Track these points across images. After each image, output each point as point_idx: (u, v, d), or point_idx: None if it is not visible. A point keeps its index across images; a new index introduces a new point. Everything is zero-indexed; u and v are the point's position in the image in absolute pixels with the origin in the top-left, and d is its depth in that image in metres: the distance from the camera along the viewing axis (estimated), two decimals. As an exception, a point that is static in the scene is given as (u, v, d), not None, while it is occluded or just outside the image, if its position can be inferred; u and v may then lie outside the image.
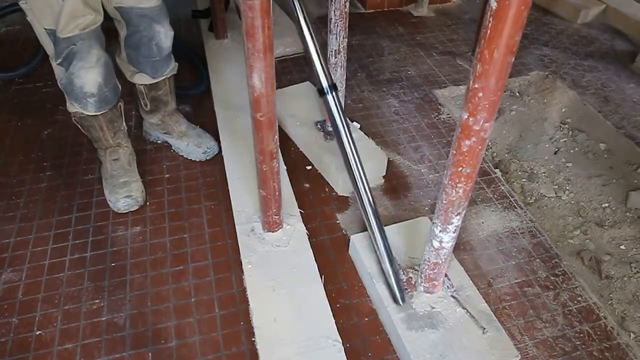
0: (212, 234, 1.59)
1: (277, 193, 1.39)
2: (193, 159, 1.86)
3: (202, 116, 2.05)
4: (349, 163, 1.36)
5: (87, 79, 1.47)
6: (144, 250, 1.54)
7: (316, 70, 1.32)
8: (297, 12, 1.28)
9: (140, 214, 1.65)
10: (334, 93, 1.33)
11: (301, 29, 1.28)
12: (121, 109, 1.67)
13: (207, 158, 1.85)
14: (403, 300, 1.31)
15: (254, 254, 1.47)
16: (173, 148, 1.90)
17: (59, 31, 1.39)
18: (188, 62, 2.34)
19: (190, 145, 1.85)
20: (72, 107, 1.56)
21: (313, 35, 1.30)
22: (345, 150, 1.35)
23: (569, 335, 1.36)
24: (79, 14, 1.39)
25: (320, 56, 1.30)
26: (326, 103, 1.33)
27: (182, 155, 1.87)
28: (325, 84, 1.32)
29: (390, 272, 1.32)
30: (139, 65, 1.63)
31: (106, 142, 1.67)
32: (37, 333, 1.33)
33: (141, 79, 1.67)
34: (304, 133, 1.87)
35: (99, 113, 1.55)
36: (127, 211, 1.65)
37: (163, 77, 1.69)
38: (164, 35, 1.58)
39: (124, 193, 1.64)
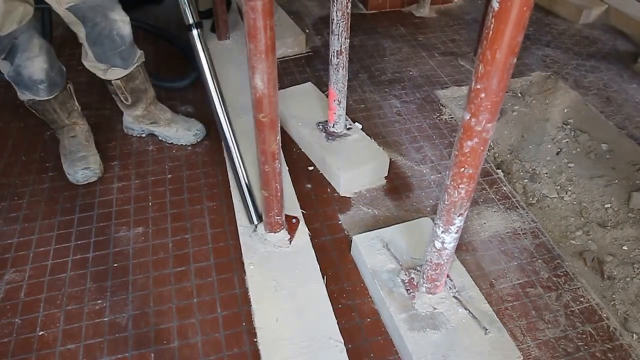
0: (214, 234, 1.60)
1: (279, 194, 1.39)
2: (183, 144, 1.90)
3: (204, 117, 2.06)
4: (212, 97, 1.43)
5: (33, 67, 1.56)
6: (146, 251, 1.54)
7: (183, 7, 1.36)
8: None
9: (142, 214, 1.65)
10: (198, 30, 1.39)
11: None
12: (71, 90, 1.75)
13: (198, 140, 1.91)
14: (260, 219, 1.50)
15: (256, 254, 1.47)
16: (160, 138, 1.92)
17: None
18: (181, 55, 2.40)
19: (180, 130, 1.88)
20: (24, 96, 1.65)
21: None
22: (209, 85, 1.41)
23: (571, 336, 1.36)
24: (12, 9, 1.44)
25: None
26: (191, 38, 1.39)
27: (171, 143, 1.91)
28: (190, 20, 1.37)
29: (248, 199, 1.51)
30: (108, 60, 1.62)
31: (62, 122, 1.76)
32: (40, 333, 1.33)
33: (115, 74, 1.67)
34: (306, 133, 1.87)
35: (50, 97, 1.65)
36: (85, 182, 1.73)
37: (135, 66, 1.69)
38: (122, 23, 1.57)
39: (82, 165, 1.72)
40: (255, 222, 1.52)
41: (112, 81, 1.69)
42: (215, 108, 1.43)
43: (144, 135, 1.95)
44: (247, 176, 1.53)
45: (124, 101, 1.78)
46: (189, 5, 1.34)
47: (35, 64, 1.56)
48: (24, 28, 1.50)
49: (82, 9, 1.48)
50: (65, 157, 1.77)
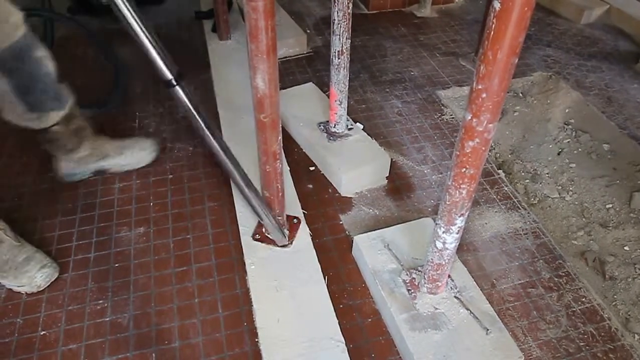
0: (216, 234, 1.60)
1: (280, 194, 1.40)
2: (142, 166, 1.77)
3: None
4: (219, 156, 1.25)
5: None
6: (147, 251, 1.54)
7: (155, 62, 1.09)
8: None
9: (143, 214, 1.65)
10: (181, 83, 1.13)
11: (124, 17, 1.03)
12: None
13: (154, 157, 1.79)
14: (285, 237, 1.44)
15: (257, 254, 1.47)
16: (113, 171, 1.74)
17: None
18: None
19: (135, 152, 1.74)
20: None
21: (141, 22, 1.05)
22: (212, 145, 1.23)
23: (572, 336, 1.36)
24: None
25: (157, 44, 1.07)
26: (174, 95, 1.14)
27: (128, 171, 1.76)
28: (169, 75, 1.11)
29: (270, 222, 1.39)
30: (43, 106, 1.41)
31: None
32: (42, 333, 1.34)
33: (52, 118, 1.45)
34: (307, 134, 1.87)
35: None
36: (48, 284, 1.43)
37: (71, 101, 1.50)
38: (46, 59, 1.38)
39: (37, 265, 1.42)
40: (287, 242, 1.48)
41: (50, 129, 1.46)
42: (225, 165, 1.27)
43: (90, 176, 1.74)
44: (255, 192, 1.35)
45: (66, 146, 1.55)
46: (163, 57, 1.08)
47: None
48: None
49: (3, 59, 1.27)
50: (2, 272, 1.40)
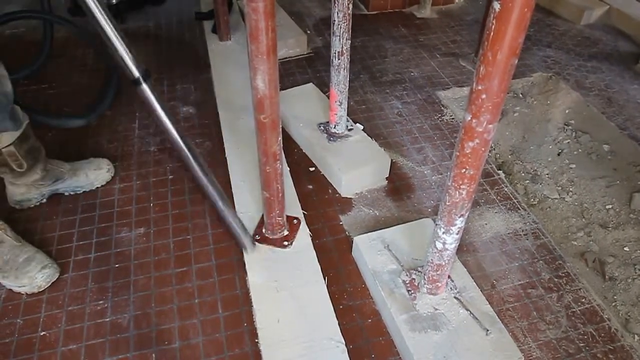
0: (216, 235, 1.60)
1: (280, 194, 1.40)
2: (97, 186, 1.73)
3: (205, 118, 2.06)
4: (187, 160, 1.27)
5: None
6: (147, 252, 1.55)
7: (123, 60, 1.08)
8: None
9: (144, 215, 1.66)
10: (147, 83, 1.12)
11: (92, 14, 1.02)
12: None
13: (112, 175, 1.76)
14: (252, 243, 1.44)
15: (258, 255, 1.47)
16: (68, 192, 1.70)
17: None
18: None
19: (90, 172, 1.69)
20: None
21: (109, 18, 1.05)
22: (180, 148, 1.24)
23: (572, 337, 1.36)
24: None
25: (124, 42, 1.07)
26: (141, 94, 1.14)
27: (87, 191, 1.71)
28: (136, 73, 1.10)
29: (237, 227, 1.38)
30: None
31: None
32: (42, 334, 1.34)
33: (7, 139, 1.40)
34: (307, 134, 1.87)
35: None
36: (49, 284, 1.43)
37: (26, 122, 1.46)
38: (4, 78, 1.32)
39: (38, 266, 1.41)
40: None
41: (2, 150, 1.40)
42: (194, 170, 1.27)
43: (44, 201, 1.68)
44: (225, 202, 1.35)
45: (18, 169, 1.47)
46: (129, 56, 1.07)
47: None
48: None
49: None
50: (3, 273, 1.40)
